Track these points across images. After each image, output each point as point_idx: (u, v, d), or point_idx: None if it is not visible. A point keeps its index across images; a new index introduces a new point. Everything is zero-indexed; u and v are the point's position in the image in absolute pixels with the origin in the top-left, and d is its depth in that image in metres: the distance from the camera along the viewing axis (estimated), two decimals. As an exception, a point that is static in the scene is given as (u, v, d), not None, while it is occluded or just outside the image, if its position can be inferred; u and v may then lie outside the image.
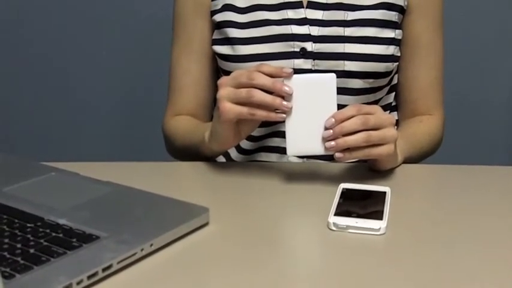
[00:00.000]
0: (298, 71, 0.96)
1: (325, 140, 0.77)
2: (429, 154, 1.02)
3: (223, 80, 0.81)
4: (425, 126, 1.01)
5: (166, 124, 1.06)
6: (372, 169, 0.87)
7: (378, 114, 0.78)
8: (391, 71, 1.00)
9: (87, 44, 1.80)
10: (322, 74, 0.78)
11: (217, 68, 1.04)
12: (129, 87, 1.84)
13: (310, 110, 0.77)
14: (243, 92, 0.78)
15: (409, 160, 0.92)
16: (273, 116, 0.78)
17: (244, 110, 0.78)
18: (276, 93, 0.77)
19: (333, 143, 0.77)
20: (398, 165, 0.89)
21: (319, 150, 0.78)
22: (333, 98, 0.77)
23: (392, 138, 0.78)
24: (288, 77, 0.78)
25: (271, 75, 0.78)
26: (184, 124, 1.02)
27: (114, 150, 1.88)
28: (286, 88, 0.77)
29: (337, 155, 0.77)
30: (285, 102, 0.77)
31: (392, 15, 0.98)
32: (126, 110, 1.86)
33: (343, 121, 0.76)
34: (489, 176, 0.89)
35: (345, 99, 0.95)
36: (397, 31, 0.99)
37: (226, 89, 0.79)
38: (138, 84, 1.83)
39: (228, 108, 0.79)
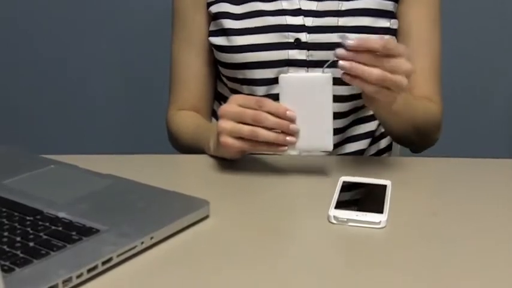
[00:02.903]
0: (293, 61, 0.96)
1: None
2: (424, 132, 0.98)
3: (224, 111, 0.79)
4: (420, 101, 0.99)
5: (169, 119, 1.06)
6: (371, 108, 0.85)
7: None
8: None
9: (87, 37, 1.79)
10: (318, 74, 0.77)
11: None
12: (130, 80, 1.83)
13: (305, 109, 0.77)
14: (246, 130, 0.77)
15: (401, 121, 0.91)
16: (274, 150, 0.79)
17: (245, 145, 0.79)
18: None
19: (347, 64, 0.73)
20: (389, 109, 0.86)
21: (313, 147, 0.79)
22: (329, 98, 0.77)
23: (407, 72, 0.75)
24: (291, 120, 0.77)
25: (275, 113, 0.77)
26: (188, 123, 1.02)
27: (114, 142, 1.87)
28: (293, 126, 0.77)
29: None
30: (288, 138, 0.77)
31: (388, 5, 0.98)
32: (127, 103, 1.86)
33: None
34: (490, 169, 0.89)
35: (340, 89, 0.94)
36: (393, 20, 0.98)
37: (228, 122, 0.79)
38: (138, 77, 1.82)
39: (230, 143, 0.79)
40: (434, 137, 1.03)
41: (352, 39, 0.72)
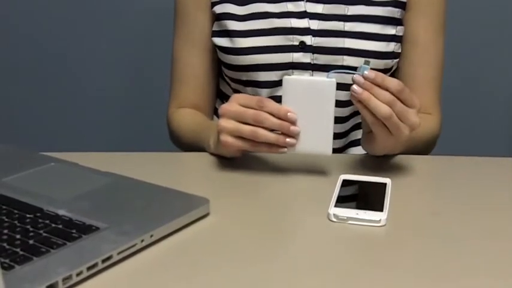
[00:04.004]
0: (297, 64, 0.96)
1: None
2: (422, 153, 1.00)
3: (225, 110, 0.79)
4: (423, 125, 1.00)
5: (170, 117, 1.06)
6: (366, 148, 0.86)
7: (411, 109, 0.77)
8: (391, 68, 0.99)
9: (87, 36, 1.79)
10: (322, 79, 0.77)
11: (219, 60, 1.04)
12: (130, 78, 1.83)
13: (307, 112, 0.77)
14: (247, 130, 0.77)
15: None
16: (274, 151, 0.79)
17: (245, 145, 0.79)
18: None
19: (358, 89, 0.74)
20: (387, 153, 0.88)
21: (312, 150, 0.79)
22: (331, 103, 0.77)
23: (414, 125, 0.77)
24: (291, 122, 0.77)
25: (276, 114, 0.77)
26: (188, 120, 1.02)
27: (115, 140, 1.87)
28: (293, 128, 0.77)
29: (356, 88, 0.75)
30: (288, 140, 0.77)
31: (395, 12, 0.97)
32: (127, 101, 1.86)
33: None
34: (489, 167, 0.89)
35: (343, 94, 0.94)
36: (399, 27, 0.98)
37: (228, 121, 0.79)
38: (139, 75, 1.82)
39: (231, 143, 0.79)
40: (430, 150, 1.03)
41: (371, 71, 0.74)
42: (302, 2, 0.96)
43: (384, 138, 0.78)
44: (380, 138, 0.78)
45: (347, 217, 0.68)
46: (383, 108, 0.74)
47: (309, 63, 0.96)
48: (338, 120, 0.98)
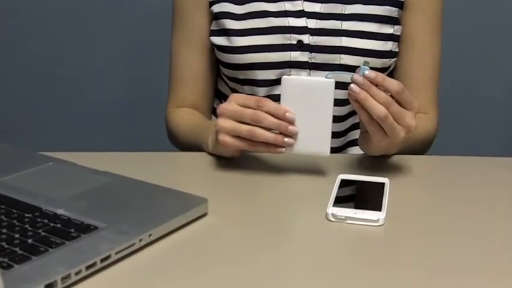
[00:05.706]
0: (295, 63, 0.96)
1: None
2: (418, 153, 1.00)
3: (223, 109, 0.79)
4: (420, 125, 1.00)
5: (168, 116, 1.06)
6: (362, 148, 0.86)
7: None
8: (388, 67, 0.99)
9: (87, 34, 1.79)
10: (321, 79, 0.78)
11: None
12: (129, 78, 1.83)
13: (305, 112, 0.77)
14: (245, 130, 0.77)
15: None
16: (272, 151, 0.79)
17: (243, 145, 0.79)
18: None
19: (357, 89, 0.74)
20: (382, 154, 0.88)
21: (310, 150, 0.79)
22: (330, 103, 0.78)
23: (409, 127, 0.77)
24: (290, 121, 0.77)
25: (274, 114, 0.77)
26: (186, 120, 1.02)
27: (113, 140, 1.87)
28: (291, 128, 0.77)
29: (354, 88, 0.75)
30: (286, 139, 0.77)
31: (393, 11, 0.97)
32: (125, 101, 1.86)
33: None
34: (488, 167, 0.89)
35: (341, 93, 0.94)
36: (396, 27, 0.98)
37: (226, 121, 0.79)
38: (138, 74, 1.82)
39: (229, 142, 0.79)
40: (426, 150, 1.03)
41: (371, 71, 0.74)
42: (300, 1, 0.96)
43: (379, 138, 0.78)
44: (375, 139, 0.78)
45: (345, 217, 0.68)
46: (379, 109, 0.74)
47: (307, 62, 0.96)
48: (336, 119, 0.98)
